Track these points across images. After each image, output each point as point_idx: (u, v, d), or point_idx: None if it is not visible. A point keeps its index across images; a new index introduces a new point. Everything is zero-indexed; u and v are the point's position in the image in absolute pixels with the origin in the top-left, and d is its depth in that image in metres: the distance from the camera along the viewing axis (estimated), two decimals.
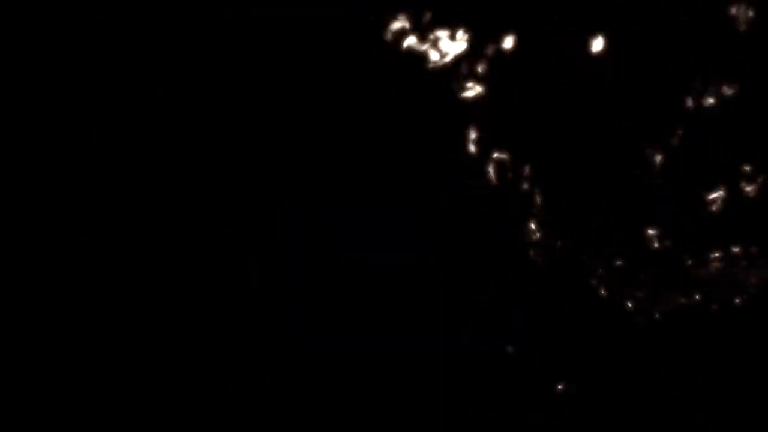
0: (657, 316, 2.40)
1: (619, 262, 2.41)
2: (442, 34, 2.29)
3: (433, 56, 2.30)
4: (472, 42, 2.29)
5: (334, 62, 2.27)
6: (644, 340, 2.40)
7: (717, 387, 2.38)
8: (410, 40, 2.26)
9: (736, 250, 2.41)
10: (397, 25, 2.24)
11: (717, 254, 2.41)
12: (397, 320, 2.33)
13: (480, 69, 2.33)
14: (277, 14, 2.25)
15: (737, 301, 2.40)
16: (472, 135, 2.34)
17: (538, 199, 2.38)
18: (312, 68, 2.28)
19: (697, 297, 2.41)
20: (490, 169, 2.34)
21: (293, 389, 2.29)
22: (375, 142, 2.30)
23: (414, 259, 2.32)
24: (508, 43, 2.29)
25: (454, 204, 2.34)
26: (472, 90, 2.32)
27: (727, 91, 2.32)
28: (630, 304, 2.40)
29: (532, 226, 2.35)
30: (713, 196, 2.38)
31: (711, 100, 2.34)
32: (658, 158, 2.40)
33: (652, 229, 2.41)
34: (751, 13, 2.14)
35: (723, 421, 2.36)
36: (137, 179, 2.23)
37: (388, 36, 2.24)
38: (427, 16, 2.26)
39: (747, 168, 2.37)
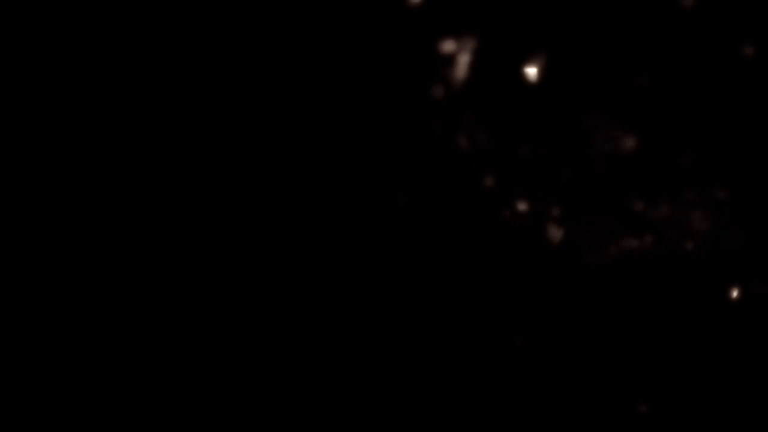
0: (607, 258, 2.39)
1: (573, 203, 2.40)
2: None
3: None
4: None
5: None
6: (594, 283, 2.40)
7: (667, 335, 2.38)
8: None
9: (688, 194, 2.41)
10: None
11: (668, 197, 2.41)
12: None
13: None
14: None
15: (688, 245, 2.40)
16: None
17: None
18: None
19: (648, 240, 2.40)
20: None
21: None
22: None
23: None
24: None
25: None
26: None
27: None
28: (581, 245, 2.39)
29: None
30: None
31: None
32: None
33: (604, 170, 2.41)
34: None
35: (673, 372, 2.37)
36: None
37: None
38: None
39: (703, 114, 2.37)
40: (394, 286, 2.32)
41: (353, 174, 2.34)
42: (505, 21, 2.35)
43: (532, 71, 2.37)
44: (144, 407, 2.22)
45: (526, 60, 2.36)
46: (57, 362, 2.22)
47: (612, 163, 2.41)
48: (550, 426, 2.30)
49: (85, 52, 2.28)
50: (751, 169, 2.38)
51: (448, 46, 2.33)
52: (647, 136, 2.42)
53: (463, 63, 2.32)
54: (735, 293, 2.33)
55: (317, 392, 2.28)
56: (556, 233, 2.37)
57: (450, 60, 2.34)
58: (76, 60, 2.28)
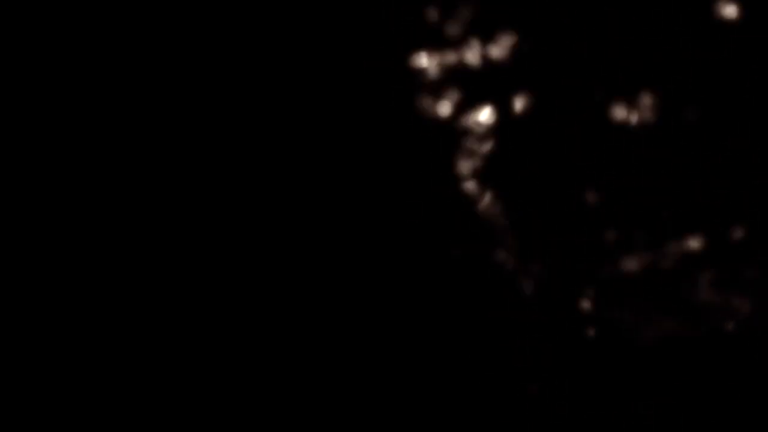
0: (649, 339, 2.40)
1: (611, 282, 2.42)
2: None
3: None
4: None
5: None
6: (638, 362, 2.40)
7: (709, 411, 2.37)
8: None
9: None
10: None
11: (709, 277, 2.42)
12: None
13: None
14: None
15: (729, 326, 2.40)
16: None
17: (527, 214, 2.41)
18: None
19: (688, 321, 2.41)
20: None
21: None
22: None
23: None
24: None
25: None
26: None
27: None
28: (623, 326, 2.41)
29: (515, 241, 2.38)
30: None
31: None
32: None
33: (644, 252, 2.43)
34: None
35: None
36: None
37: None
38: None
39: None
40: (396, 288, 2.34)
41: (349, 178, 2.36)
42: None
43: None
44: (144, 407, 2.22)
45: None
46: (57, 362, 2.21)
47: (649, 244, 2.44)
48: None
49: (85, 52, 2.29)
50: None
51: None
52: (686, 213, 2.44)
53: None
54: None
55: (314, 391, 2.28)
56: (587, 309, 2.39)
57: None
58: (76, 60, 2.29)
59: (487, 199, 2.42)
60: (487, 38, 2.43)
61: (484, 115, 2.42)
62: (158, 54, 2.35)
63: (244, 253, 2.34)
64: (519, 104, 2.42)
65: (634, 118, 2.45)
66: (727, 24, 2.38)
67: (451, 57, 2.43)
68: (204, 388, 2.27)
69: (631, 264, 2.44)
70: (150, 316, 2.28)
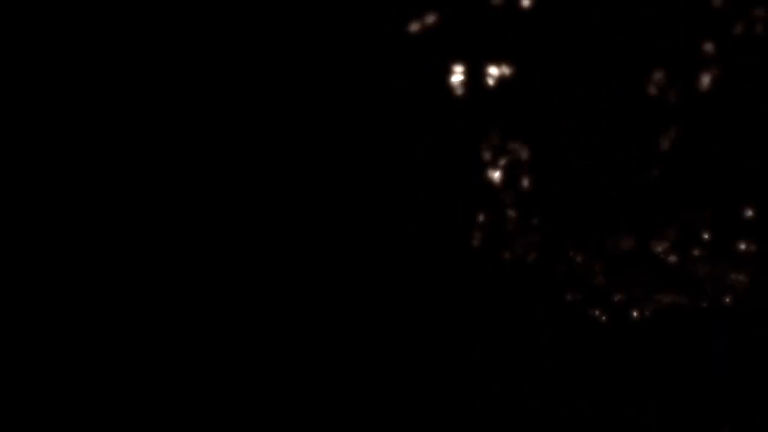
0: (647, 313, 2.45)
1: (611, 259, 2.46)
2: None
3: None
4: None
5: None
6: (635, 337, 2.46)
7: (706, 387, 2.43)
8: None
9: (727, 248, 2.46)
10: None
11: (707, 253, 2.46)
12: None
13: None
14: None
15: (727, 300, 2.45)
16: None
17: (527, 191, 2.42)
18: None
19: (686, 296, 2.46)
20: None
21: None
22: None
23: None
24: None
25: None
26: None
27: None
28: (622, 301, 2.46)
29: (514, 214, 2.40)
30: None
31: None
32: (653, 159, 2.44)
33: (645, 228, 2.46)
34: None
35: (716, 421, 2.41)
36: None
37: None
38: None
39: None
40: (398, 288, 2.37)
41: (348, 176, 2.36)
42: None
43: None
44: (144, 407, 2.25)
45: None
46: (57, 362, 2.23)
47: (648, 219, 2.47)
48: None
49: (85, 52, 2.28)
50: None
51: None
52: (684, 193, 2.47)
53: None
54: None
55: (316, 390, 2.31)
56: (596, 283, 2.44)
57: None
58: (76, 60, 2.28)
59: (488, 185, 2.42)
60: (487, 37, 2.40)
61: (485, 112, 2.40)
62: (158, 54, 2.30)
63: (243, 252, 2.34)
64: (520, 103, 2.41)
65: (632, 97, 2.45)
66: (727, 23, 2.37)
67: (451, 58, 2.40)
68: (204, 388, 2.30)
69: (629, 241, 2.47)
70: (150, 316, 2.30)
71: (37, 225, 2.26)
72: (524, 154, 2.45)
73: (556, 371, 2.42)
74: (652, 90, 2.43)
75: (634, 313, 2.46)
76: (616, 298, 2.46)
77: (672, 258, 2.48)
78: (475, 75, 2.40)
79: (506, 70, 2.41)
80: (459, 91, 2.42)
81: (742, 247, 2.47)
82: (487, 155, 2.43)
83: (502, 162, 2.45)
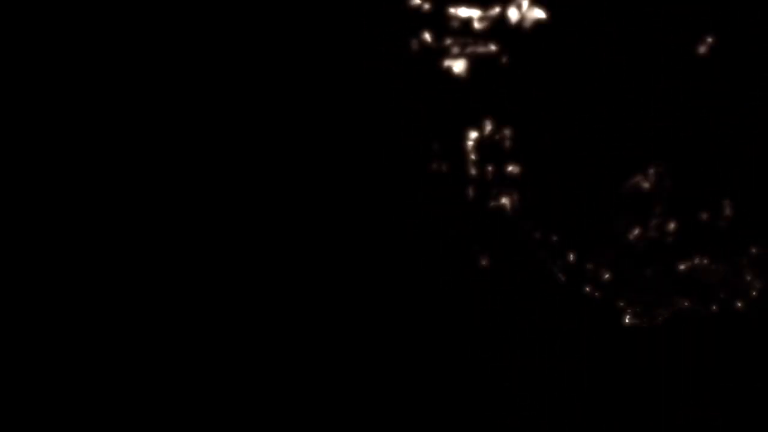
0: (658, 319, 2.45)
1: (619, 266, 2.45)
2: None
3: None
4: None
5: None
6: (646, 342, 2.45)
7: (718, 390, 2.42)
8: None
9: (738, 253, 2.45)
10: None
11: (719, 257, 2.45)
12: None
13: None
14: None
15: (738, 305, 2.45)
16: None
17: (537, 198, 2.42)
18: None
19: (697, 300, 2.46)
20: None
21: None
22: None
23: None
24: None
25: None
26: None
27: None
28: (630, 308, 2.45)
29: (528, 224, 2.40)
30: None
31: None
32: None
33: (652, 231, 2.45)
34: None
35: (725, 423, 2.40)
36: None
37: None
38: None
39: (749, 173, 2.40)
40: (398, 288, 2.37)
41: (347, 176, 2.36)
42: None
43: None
44: (144, 407, 2.26)
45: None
46: (57, 362, 2.24)
47: (662, 225, 2.46)
48: None
49: (85, 52, 2.28)
50: None
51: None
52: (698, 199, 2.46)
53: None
54: None
55: (318, 389, 2.33)
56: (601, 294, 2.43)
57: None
58: (76, 60, 2.28)
59: (498, 189, 2.42)
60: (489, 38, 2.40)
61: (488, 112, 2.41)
62: (158, 54, 2.31)
63: (244, 252, 2.35)
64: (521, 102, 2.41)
65: (643, 94, 2.45)
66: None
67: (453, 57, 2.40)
68: (203, 388, 2.30)
69: (645, 246, 2.47)
70: (150, 316, 2.31)
71: (37, 225, 2.27)
72: (529, 156, 2.45)
73: (565, 375, 2.42)
74: (675, 93, 2.43)
75: (648, 318, 2.46)
76: (623, 303, 2.46)
77: (684, 264, 2.47)
78: (475, 75, 2.40)
79: (506, 69, 2.40)
80: (459, 91, 2.42)
81: (754, 251, 2.46)
82: (486, 155, 2.43)
83: (503, 162, 2.45)
